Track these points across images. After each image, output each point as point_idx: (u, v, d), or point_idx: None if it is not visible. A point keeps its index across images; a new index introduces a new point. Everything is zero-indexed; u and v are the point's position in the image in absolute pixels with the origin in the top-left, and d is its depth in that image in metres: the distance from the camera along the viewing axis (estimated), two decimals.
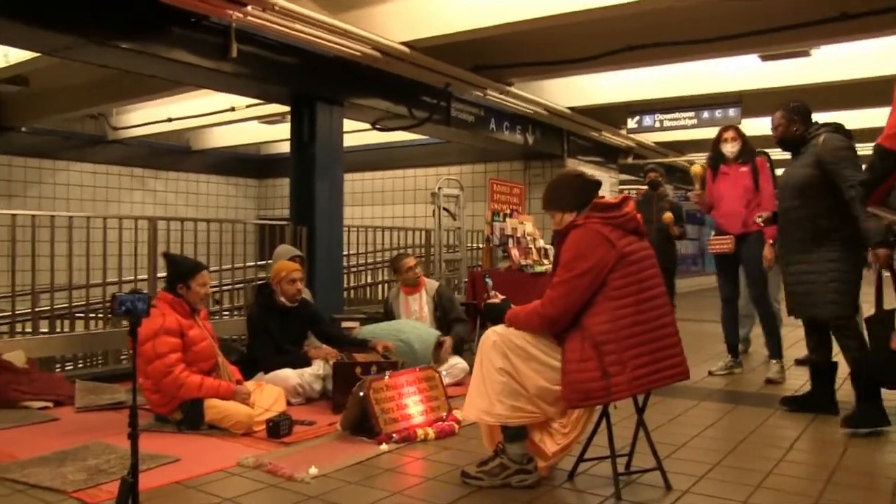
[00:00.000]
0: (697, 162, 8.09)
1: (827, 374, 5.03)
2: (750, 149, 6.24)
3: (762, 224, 5.41)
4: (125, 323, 6.38)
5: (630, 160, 14.45)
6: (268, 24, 6.37)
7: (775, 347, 6.23)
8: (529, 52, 8.24)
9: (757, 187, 6.10)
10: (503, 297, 3.71)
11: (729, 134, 6.22)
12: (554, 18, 6.76)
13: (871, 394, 4.46)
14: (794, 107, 5.00)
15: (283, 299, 5.67)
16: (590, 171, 12.37)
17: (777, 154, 7.05)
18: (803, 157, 4.86)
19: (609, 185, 13.56)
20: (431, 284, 6.77)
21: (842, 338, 4.80)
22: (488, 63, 8.44)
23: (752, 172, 6.13)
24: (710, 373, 6.40)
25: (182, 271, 4.77)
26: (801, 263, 4.83)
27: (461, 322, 6.59)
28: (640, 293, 3.31)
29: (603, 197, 3.52)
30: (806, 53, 8.65)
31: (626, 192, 12.92)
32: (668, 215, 8.26)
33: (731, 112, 10.20)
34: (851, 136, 4.80)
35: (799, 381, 5.99)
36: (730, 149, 6.18)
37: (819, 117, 4.98)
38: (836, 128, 4.80)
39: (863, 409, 4.48)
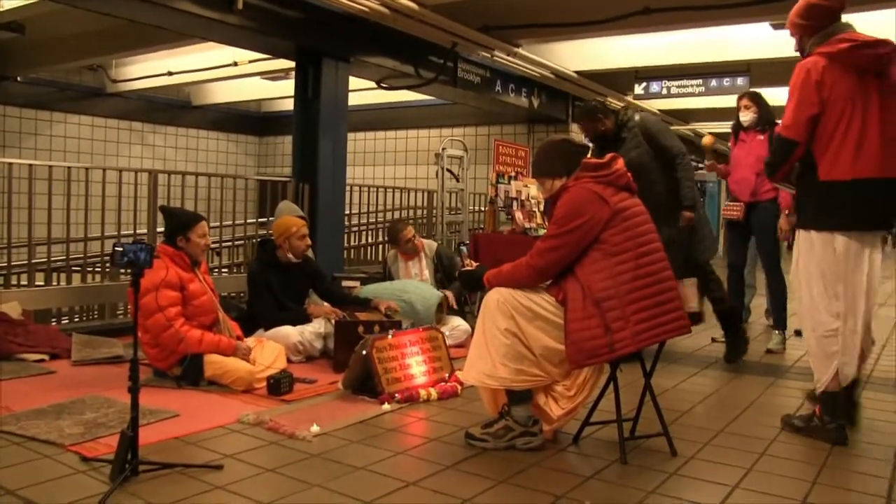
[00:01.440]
0: (707, 133, 7.98)
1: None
2: (769, 118, 6.03)
3: None
4: (123, 276, 6.36)
5: None
6: None
7: (780, 318, 6.18)
8: (539, 13, 8.08)
9: None
10: (477, 263, 3.78)
11: (742, 102, 6.08)
12: None
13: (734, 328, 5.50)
14: (592, 108, 5.44)
15: (289, 255, 5.57)
16: None
17: None
18: (628, 140, 5.23)
19: None
20: (430, 246, 6.69)
21: None
22: (497, 23, 8.30)
23: (768, 142, 5.90)
24: (714, 339, 6.35)
25: (181, 223, 4.67)
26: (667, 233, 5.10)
27: None
28: (638, 248, 3.31)
29: (591, 157, 3.52)
30: None
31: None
32: None
33: (740, 81, 10.05)
34: None
35: (800, 351, 5.96)
36: (742, 117, 6.06)
37: None
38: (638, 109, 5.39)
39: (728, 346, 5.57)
